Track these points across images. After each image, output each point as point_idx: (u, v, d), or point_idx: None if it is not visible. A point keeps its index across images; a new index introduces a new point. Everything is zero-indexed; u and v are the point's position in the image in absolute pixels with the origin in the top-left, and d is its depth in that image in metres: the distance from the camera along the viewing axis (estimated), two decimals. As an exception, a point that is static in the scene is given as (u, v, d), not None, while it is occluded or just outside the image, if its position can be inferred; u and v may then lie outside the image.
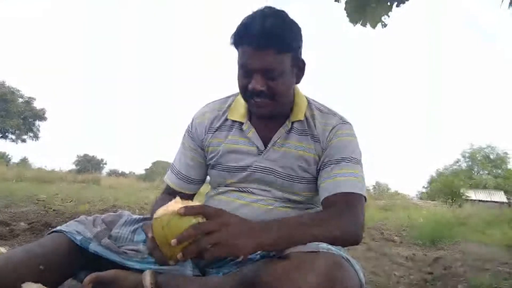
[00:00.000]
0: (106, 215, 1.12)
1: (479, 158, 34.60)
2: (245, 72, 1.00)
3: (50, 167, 17.57)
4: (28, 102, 25.89)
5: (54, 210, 3.65)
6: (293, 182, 1.09)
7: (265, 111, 1.03)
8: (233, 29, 1.00)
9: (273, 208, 1.08)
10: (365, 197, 1.03)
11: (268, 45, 0.95)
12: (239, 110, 1.14)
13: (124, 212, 1.17)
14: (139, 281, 0.91)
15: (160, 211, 0.79)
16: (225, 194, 1.14)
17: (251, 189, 1.11)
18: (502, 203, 21.64)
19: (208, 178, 1.24)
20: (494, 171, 33.45)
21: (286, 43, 0.97)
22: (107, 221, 1.09)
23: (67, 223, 1.06)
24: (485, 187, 29.83)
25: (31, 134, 26.89)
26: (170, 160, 1.27)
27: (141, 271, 0.94)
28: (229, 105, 1.17)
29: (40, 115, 26.49)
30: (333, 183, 1.03)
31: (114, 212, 1.19)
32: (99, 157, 39.86)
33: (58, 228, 1.03)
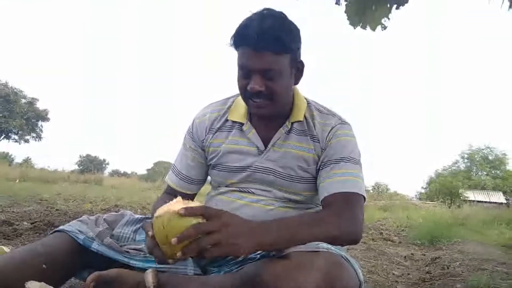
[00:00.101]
0: (108, 215, 1.13)
1: (477, 159, 34.55)
2: (244, 73, 1.01)
3: (53, 167, 17.62)
4: (31, 102, 25.82)
5: (57, 209, 3.65)
6: (293, 182, 1.10)
7: (264, 111, 1.04)
8: (233, 30, 1.01)
9: (273, 208, 1.09)
10: (364, 196, 1.04)
11: (267, 46, 0.96)
12: (240, 111, 1.15)
13: (126, 211, 1.18)
14: (141, 280, 0.92)
15: (161, 210, 0.79)
16: (225, 194, 1.15)
17: (251, 189, 1.11)
18: (501, 203, 21.59)
19: (209, 178, 1.25)
20: (493, 172, 33.41)
21: (285, 45, 0.98)
22: (109, 220, 1.10)
23: (70, 222, 1.06)
24: (483, 188, 29.84)
25: (34, 135, 26.86)
26: (172, 160, 1.28)
27: (143, 270, 0.95)
28: (230, 106, 1.18)
29: (43, 116, 26.44)
30: (332, 183, 1.04)
31: (116, 211, 1.20)
32: (101, 157, 40.01)
33: (61, 227, 1.04)
